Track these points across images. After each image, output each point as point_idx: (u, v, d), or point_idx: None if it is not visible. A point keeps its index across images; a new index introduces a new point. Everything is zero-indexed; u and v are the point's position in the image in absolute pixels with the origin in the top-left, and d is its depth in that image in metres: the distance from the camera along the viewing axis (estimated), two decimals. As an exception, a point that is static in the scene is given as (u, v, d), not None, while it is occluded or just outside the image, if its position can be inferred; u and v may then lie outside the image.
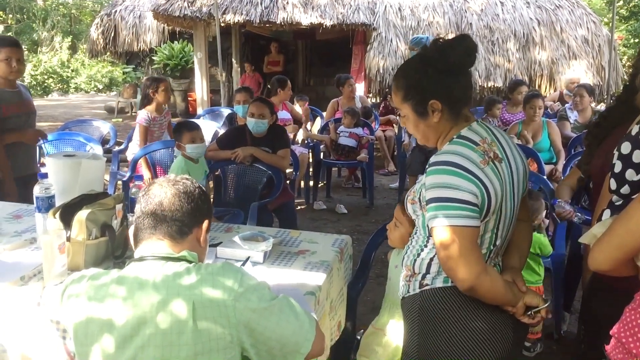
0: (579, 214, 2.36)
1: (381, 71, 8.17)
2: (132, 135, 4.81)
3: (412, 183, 5.17)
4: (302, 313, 1.39)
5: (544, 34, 8.58)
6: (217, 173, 3.82)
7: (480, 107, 6.03)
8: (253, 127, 3.73)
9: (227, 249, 2.10)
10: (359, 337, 2.37)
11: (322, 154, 6.06)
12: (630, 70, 1.76)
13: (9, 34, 15.73)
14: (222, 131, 5.05)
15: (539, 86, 8.32)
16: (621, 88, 7.85)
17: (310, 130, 6.43)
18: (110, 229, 1.99)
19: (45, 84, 16.41)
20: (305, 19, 8.42)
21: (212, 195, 3.76)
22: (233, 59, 10.22)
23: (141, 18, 11.15)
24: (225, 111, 6.33)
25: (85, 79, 17.46)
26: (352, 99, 6.69)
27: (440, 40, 1.51)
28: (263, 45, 11.21)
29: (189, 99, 11.13)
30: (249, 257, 2.02)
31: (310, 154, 5.82)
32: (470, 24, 8.57)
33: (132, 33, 11.15)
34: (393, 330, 2.19)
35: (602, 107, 7.90)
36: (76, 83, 17.37)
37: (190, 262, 1.39)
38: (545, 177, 3.91)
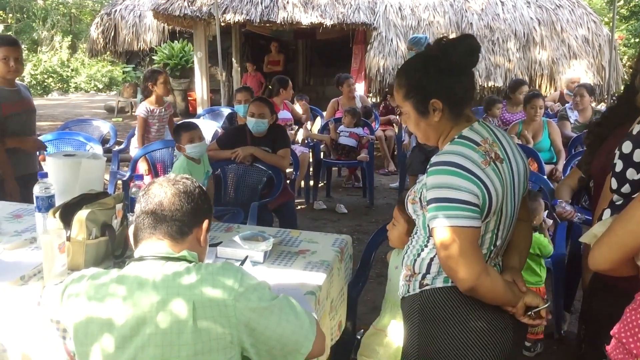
0: (579, 214, 2.36)
1: (381, 71, 8.16)
2: (132, 134, 4.82)
3: (413, 183, 5.17)
4: (303, 312, 1.39)
5: (545, 33, 8.58)
6: (217, 173, 3.82)
7: (480, 107, 6.02)
8: (253, 126, 3.73)
9: (227, 248, 2.10)
10: (359, 337, 2.36)
11: (322, 153, 6.06)
12: (631, 70, 1.76)
13: (9, 33, 15.71)
14: (222, 131, 5.05)
15: (539, 86, 8.31)
16: (622, 88, 7.87)
17: (311, 130, 6.42)
18: (110, 228, 1.99)
19: (45, 84, 16.40)
20: (306, 18, 8.42)
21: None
22: (233, 59, 10.22)
23: (141, 17, 11.15)
24: (226, 111, 6.32)
25: (85, 79, 17.45)
26: (352, 99, 6.69)
27: (444, 39, 1.51)
28: (263, 45, 11.21)
29: (189, 98, 11.12)
30: (247, 257, 2.01)
31: (311, 153, 5.82)
32: (471, 23, 8.56)
33: (132, 32, 11.14)
34: (394, 331, 2.19)
35: (602, 106, 7.90)
36: (76, 82, 17.36)
37: (190, 261, 1.39)
38: (545, 177, 3.91)
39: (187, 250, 1.41)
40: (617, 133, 1.97)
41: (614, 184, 1.54)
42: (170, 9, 8.47)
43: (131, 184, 2.62)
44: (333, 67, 10.42)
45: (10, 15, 18.71)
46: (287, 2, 8.55)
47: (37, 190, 2.16)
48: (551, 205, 2.87)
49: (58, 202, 2.16)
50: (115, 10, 11.36)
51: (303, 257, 2.12)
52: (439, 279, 1.51)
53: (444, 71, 1.46)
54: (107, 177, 4.64)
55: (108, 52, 12.08)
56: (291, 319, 1.35)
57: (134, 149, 4.59)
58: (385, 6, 8.72)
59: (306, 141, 5.95)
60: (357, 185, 6.39)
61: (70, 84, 17.24)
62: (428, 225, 1.46)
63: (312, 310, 1.68)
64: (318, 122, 6.91)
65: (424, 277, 1.53)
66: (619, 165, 1.52)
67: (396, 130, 6.93)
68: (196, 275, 1.32)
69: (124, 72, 13.47)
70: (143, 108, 4.48)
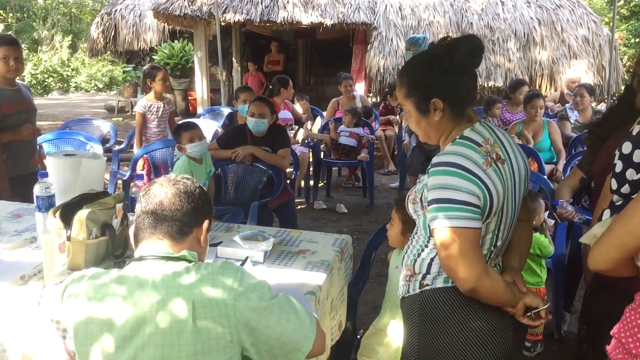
0: (580, 215, 2.36)
1: (381, 71, 8.16)
2: (133, 134, 4.82)
3: (413, 183, 5.17)
4: (303, 311, 1.39)
5: (545, 33, 8.57)
6: (217, 172, 3.82)
7: (480, 107, 6.02)
8: (253, 126, 3.73)
9: (227, 248, 2.10)
10: (359, 337, 2.37)
11: (322, 153, 6.06)
12: (631, 70, 1.76)
13: (9, 32, 15.72)
14: (222, 130, 5.04)
15: (540, 86, 8.31)
16: (622, 88, 7.86)
17: (311, 130, 6.42)
18: (111, 228, 1.99)
19: (46, 83, 16.39)
20: (306, 18, 8.42)
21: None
22: (233, 58, 10.22)
23: (141, 17, 11.14)
24: (226, 110, 6.32)
25: (86, 78, 17.44)
26: (352, 99, 6.69)
27: (448, 38, 1.51)
28: (263, 45, 11.20)
29: (189, 98, 11.12)
30: (247, 257, 2.01)
31: (311, 153, 5.81)
32: (471, 23, 8.56)
33: (133, 32, 11.14)
34: (394, 331, 2.19)
35: (602, 107, 7.89)
36: (76, 82, 17.35)
37: (190, 261, 1.39)
38: (545, 177, 3.91)
39: (187, 250, 1.41)
40: (617, 133, 1.97)
41: (614, 184, 1.54)
42: (170, 9, 8.47)
43: (131, 183, 2.64)
44: (333, 66, 10.41)
45: (11, 14, 18.70)
46: (287, 2, 8.55)
47: (37, 189, 2.16)
48: (552, 205, 2.87)
49: (58, 201, 2.16)
50: (116, 10, 11.36)
51: (303, 257, 2.12)
52: (439, 279, 1.51)
53: (446, 71, 1.46)
54: (107, 176, 4.64)
55: (108, 52, 12.08)
56: (291, 318, 1.35)
57: (137, 148, 4.59)
58: (386, 6, 8.72)
59: (306, 141, 5.94)
60: (357, 185, 6.39)
61: (70, 83, 17.23)
62: (429, 226, 1.46)
63: (312, 310, 1.68)
64: (318, 122, 6.91)
65: (424, 278, 1.53)
66: (618, 166, 1.52)
67: (396, 130, 6.93)
68: (196, 274, 1.32)
69: (124, 72, 13.47)
70: (141, 103, 4.49)
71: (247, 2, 8.52)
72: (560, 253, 3.02)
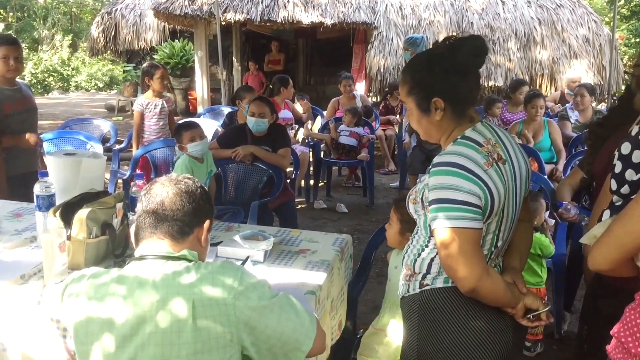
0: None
1: (382, 70, 8.16)
2: (132, 133, 4.81)
3: (413, 182, 5.17)
4: (303, 311, 1.39)
5: (545, 33, 8.57)
6: (217, 172, 3.82)
7: (480, 107, 6.02)
8: (253, 126, 3.73)
9: (227, 248, 2.10)
10: (359, 336, 2.37)
11: (322, 153, 6.06)
12: (631, 70, 1.76)
13: (10, 32, 15.73)
14: (222, 130, 5.04)
15: (540, 86, 8.30)
16: (622, 88, 7.86)
17: (311, 130, 6.42)
18: (111, 227, 1.99)
19: (46, 82, 16.40)
20: (306, 17, 8.42)
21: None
22: (234, 58, 10.22)
23: (142, 16, 11.14)
24: (226, 110, 6.32)
25: (86, 78, 17.44)
26: (353, 98, 6.69)
27: (452, 38, 1.51)
28: (264, 44, 11.20)
29: (189, 97, 11.12)
30: (248, 257, 2.01)
31: (311, 153, 5.81)
32: (471, 23, 8.55)
33: (133, 31, 11.14)
34: (394, 331, 2.19)
35: (602, 106, 7.89)
36: (77, 81, 17.35)
37: (190, 261, 1.39)
38: (545, 176, 3.91)
39: (187, 249, 1.41)
40: (618, 133, 1.97)
41: (614, 185, 1.54)
42: (170, 8, 8.47)
43: (131, 183, 2.62)
44: (333, 66, 10.41)
45: (11, 14, 18.70)
46: (288, 2, 8.54)
47: (37, 189, 2.16)
48: (552, 205, 2.87)
49: (58, 201, 2.16)
50: (116, 9, 11.36)
51: (303, 256, 2.11)
52: (439, 279, 1.51)
53: (448, 70, 1.46)
54: (107, 176, 4.64)
55: (109, 51, 12.08)
56: (291, 317, 1.35)
57: (134, 146, 4.58)
58: (386, 5, 8.72)
59: (306, 140, 5.94)
60: (357, 185, 6.39)
61: (70, 82, 17.23)
62: (429, 226, 1.46)
63: (312, 310, 1.68)
64: (318, 122, 6.91)
65: (424, 277, 1.53)
66: (618, 166, 1.52)
67: (396, 130, 6.93)
68: (196, 274, 1.32)
69: (124, 71, 13.47)
70: (139, 102, 4.49)
71: (248, 2, 8.52)
72: (561, 253, 3.02)
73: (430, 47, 1.63)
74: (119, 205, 2.06)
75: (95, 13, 15.45)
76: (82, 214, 1.90)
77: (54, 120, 9.92)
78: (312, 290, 1.82)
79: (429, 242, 1.53)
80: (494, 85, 8.16)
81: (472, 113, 1.52)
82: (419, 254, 1.55)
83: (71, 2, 19.95)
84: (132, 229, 1.49)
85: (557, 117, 5.46)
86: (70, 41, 18.70)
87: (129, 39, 11.19)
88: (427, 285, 1.52)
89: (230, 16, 8.39)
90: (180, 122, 3.49)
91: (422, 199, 1.50)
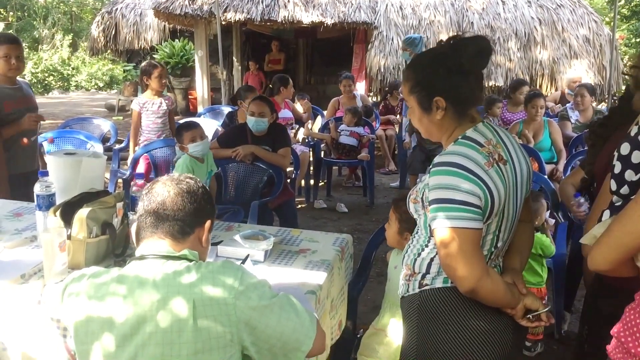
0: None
1: (382, 70, 8.15)
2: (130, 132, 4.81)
3: (413, 182, 5.17)
4: (303, 311, 1.39)
5: (546, 33, 8.56)
6: (217, 171, 3.82)
7: (480, 107, 6.02)
8: (253, 125, 3.73)
9: (228, 247, 2.10)
10: (359, 336, 2.37)
11: (322, 152, 6.06)
12: (629, 72, 1.75)
13: (10, 31, 15.69)
14: (222, 129, 5.04)
15: (540, 86, 8.30)
16: (623, 87, 7.85)
17: (311, 129, 6.42)
18: (111, 227, 1.99)
19: (46, 82, 16.40)
20: (306, 17, 8.41)
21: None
22: (234, 57, 10.22)
23: (142, 16, 11.14)
24: (226, 109, 6.32)
25: (86, 77, 17.44)
26: (353, 98, 6.69)
27: (457, 37, 1.50)
28: (264, 44, 11.20)
29: (189, 97, 11.12)
30: (248, 255, 2.01)
31: (311, 152, 5.81)
32: (472, 22, 8.55)
33: (133, 31, 11.13)
34: (394, 331, 2.19)
35: (602, 106, 7.89)
36: (77, 81, 17.35)
37: (190, 260, 1.39)
38: (546, 176, 3.92)
39: (188, 249, 1.41)
40: (618, 133, 1.97)
41: (613, 185, 1.54)
42: (171, 8, 8.47)
43: (132, 182, 2.64)
44: (334, 66, 10.42)
45: (11, 13, 18.69)
46: (288, 1, 8.54)
47: (37, 188, 2.16)
48: (553, 205, 2.87)
49: (58, 200, 2.16)
50: (116, 9, 11.35)
51: (303, 256, 2.11)
52: (438, 279, 1.51)
53: (451, 70, 1.45)
54: (107, 175, 4.64)
55: (109, 51, 12.07)
56: (292, 317, 1.35)
57: (132, 145, 4.58)
58: (386, 5, 8.71)
59: (307, 140, 5.94)
60: (357, 185, 6.39)
61: (71, 82, 17.23)
62: (429, 225, 1.46)
63: (312, 310, 1.68)
64: (319, 121, 6.91)
65: (423, 277, 1.53)
66: (617, 167, 1.52)
67: (397, 130, 6.92)
68: (196, 273, 1.32)
69: (124, 71, 13.47)
70: (137, 101, 4.48)
71: (248, 1, 8.52)
72: (561, 253, 3.02)
73: (430, 47, 1.63)
74: (119, 205, 2.06)
75: (96, 12, 15.46)
76: (83, 213, 1.90)
77: (54, 120, 9.92)
78: (312, 290, 1.82)
79: (429, 241, 1.53)
80: (494, 85, 8.16)
81: (473, 113, 1.52)
82: (419, 254, 1.55)
83: (71, 2, 19.96)
84: (133, 229, 1.49)
85: (558, 117, 5.46)
86: (71, 41, 18.72)
87: (129, 39, 11.19)
88: (427, 285, 1.52)
89: (231, 16, 8.39)
90: (180, 122, 3.49)
91: (422, 198, 1.50)
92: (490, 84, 8.14)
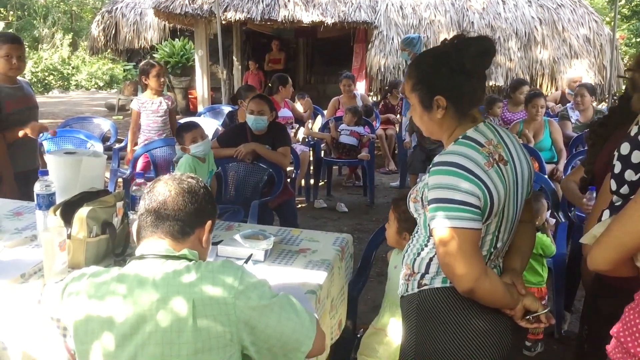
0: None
1: (382, 70, 8.16)
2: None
3: (413, 182, 5.17)
4: (303, 311, 1.39)
5: (546, 33, 8.56)
6: (217, 171, 3.82)
7: (481, 107, 6.02)
8: (252, 123, 3.73)
9: (228, 247, 2.10)
10: (359, 336, 2.37)
11: (322, 152, 6.06)
12: (626, 74, 1.75)
13: (10, 30, 15.71)
14: (222, 129, 5.04)
15: (540, 85, 8.30)
16: (623, 87, 7.85)
17: (311, 129, 6.42)
18: (111, 226, 1.99)
19: (46, 81, 16.41)
20: (307, 17, 8.41)
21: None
22: (234, 57, 10.22)
23: (142, 15, 11.15)
24: (226, 109, 6.32)
25: (86, 76, 17.46)
26: (353, 97, 6.68)
27: (461, 37, 1.50)
28: (264, 43, 11.20)
29: (189, 96, 11.12)
30: (251, 255, 2.01)
31: (311, 152, 5.81)
32: (472, 22, 8.55)
33: (133, 30, 11.14)
34: (394, 330, 2.19)
35: (603, 106, 7.89)
36: (77, 80, 17.37)
37: (190, 260, 1.39)
38: (546, 176, 3.92)
39: (188, 249, 1.41)
40: (618, 133, 1.97)
41: (613, 185, 1.54)
42: (171, 7, 8.47)
43: (132, 181, 2.63)
44: (334, 65, 10.42)
45: (11, 12, 18.70)
46: (288, 1, 8.54)
47: (37, 187, 2.16)
48: (553, 204, 2.87)
49: (59, 199, 2.16)
50: (116, 8, 11.36)
51: (304, 255, 2.11)
52: (437, 279, 1.51)
53: (453, 69, 1.45)
54: (107, 175, 4.64)
55: (109, 50, 12.08)
56: (292, 317, 1.35)
57: (130, 145, 4.58)
58: (387, 5, 8.71)
59: (307, 140, 5.94)
60: (357, 184, 6.39)
61: (71, 81, 17.25)
62: (429, 225, 1.46)
63: (313, 309, 1.68)
64: (319, 121, 6.91)
65: (422, 277, 1.53)
66: (617, 167, 1.52)
67: (397, 129, 6.92)
68: (196, 273, 1.31)
69: (124, 70, 13.47)
70: (136, 101, 4.49)
71: (248, 1, 8.52)
72: (561, 253, 3.02)
73: (429, 46, 1.63)
74: (119, 204, 2.06)
75: (96, 12, 15.47)
76: (83, 212, 1.90)
77: (54, 119, 9.93)
78: (312, 289, 1.82)
79: (428, 241, 1.53)
80: (495, 84, 8.16)
81: (475, 113, 1.51)
82: (418, 254, 1.55)
83: (71, 1, 19.97)
84: (134, 227, 1.49)
85: (558, 117, 5.46)
86: (71, 40, 18.73)
87: (129, 38, 11.19)
88: (426, 285, 1.52)
89: (231, 15, 8.39)
90: (180, 123, 3.48)
91: (422, 198, 1.50)
92: (490, 84, 8.14)
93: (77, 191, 2.09)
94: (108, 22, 11.29)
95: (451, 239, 1.37)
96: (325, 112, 6.98)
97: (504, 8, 8.80)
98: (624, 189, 1.51)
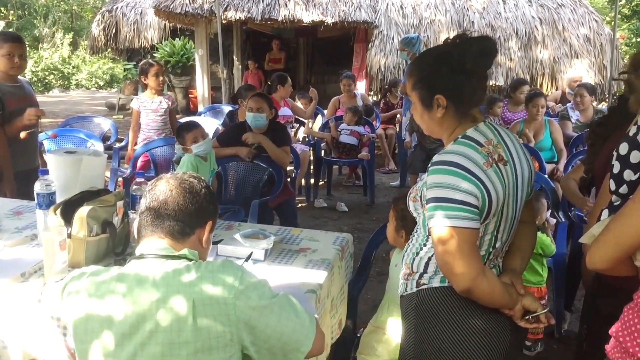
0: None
1: (382, 69, 8.16)
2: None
3: (413, 181, 5.17)
4: (303, 311, 1.39)
5: (546, 32, 8.56)
6: (217, 170, 3.82)
7: (482, 106, 6.01)
8: (252, 121, 3.73)
9: (228, 246, 2.10)
10: (359, 336, 2.37)
11: (323, 151, 6.06)
12: (621, 76, 1.76)
13: (11, 30, 15.72)
14: (222, 128, 5.04)
15: (541, 85, 8.30)
16: (623, 87, 7.84)
17: (311, 128, 6.42)
18: (111, 225, 1.99)
19: (46, 81, 16.42)
20: (307, 16, 8.41)
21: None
22: (234, 56, 10.22)
23: (142, 15, 11.15)
24: (226, 108, 6.32)
25: (86, 76, 17.46)
26: (353, 97, 6.68)
27: (463, 36, 1.50)
28: (264, 43, 11.21)
29: (189, 96, 11.13)
30: (251, 253, 2.02)
31: (311, 151, 5.81)
32: (472, 22, 8.55)
33: (133, 30, 11.14)
34: (393, 328, 2.19)
35: (603, 106, 7.88)
36: (77, 79, 17.38)
37: (190, 259, 1.39)
38: (546, 176, 3.92)
39: (187, 249, 1.41)
40: (618, 133, 1.97)
41: (612, 185, 1.54)
42: (171, 7, 8.47)
43: (132, 181, 2.62)
44: (334, 65, 10.41)
45: (12, 12, 18.71)
46: (289, 0, 8.54)
47: (38, 187, 2.16)
48: (553, 205, 2.87)
49: (59, 199, 2.16)
50: (117, 8, 11.36)
51: (304, 255, 2.11)
52: (435, 278, 1.51)
53: (454, 69, 1.45)
54: (107, 174, 4.64)
55: (109, 50, 12.08)
56: (291, 317, 1.35)
57: (130, 144, 4.59)
58: (387, 4, 8.71)
59: (307, 139, 5.94)
60: (357, 184, 6.39)
61: (71, 81, 17.25)
62: (427, 223, 1.46)
63: (313, 309, 1.68)
64: (319, 120, 6.91)
65: (421, 276, 1.53)
66: (616, 167, 1.52)
67: (397, 129, 6.92)
68: (196, 273, 1.31)
69: (125, 70, 13.48)
70: (136, 100, 4.50)
71: (249, 0, 8.52)
72: (561, 252, 3.03)
73: (429, 46, 1.63)
74: (120, 204, 2.06)
75: (96, 11, 15.47)
76: (83, 212, 1.90)
77: (54, 119, 9.93)
78: (312, 289, 1.82)
79: (427, 240, 1.53)
80: (495, 84, 8.16)
81: (475, 113, 1.51)
82: (417, 253, 1.55)
83: (72, 0, 19.96)
84: (134, 225, 1.49)
85: (558, 117, 5.46)
86: (71, 39, 18.74)
87: (130, 37, 11.19)
88: (424, 284, 1.52)
89: (231, 15, 8.39)
90: (180, 123, 3.48)
91: (421, 197, 1.50)
92: (490, 84, 8.14)
93: (77, 190, 2.09)
94: (108, 21, 11.29)
95: (449, 238, 1.37)
96: (325, 111, 6.98)
97: (504, 8, 8.80)
98: (623, 189, 1.51)
